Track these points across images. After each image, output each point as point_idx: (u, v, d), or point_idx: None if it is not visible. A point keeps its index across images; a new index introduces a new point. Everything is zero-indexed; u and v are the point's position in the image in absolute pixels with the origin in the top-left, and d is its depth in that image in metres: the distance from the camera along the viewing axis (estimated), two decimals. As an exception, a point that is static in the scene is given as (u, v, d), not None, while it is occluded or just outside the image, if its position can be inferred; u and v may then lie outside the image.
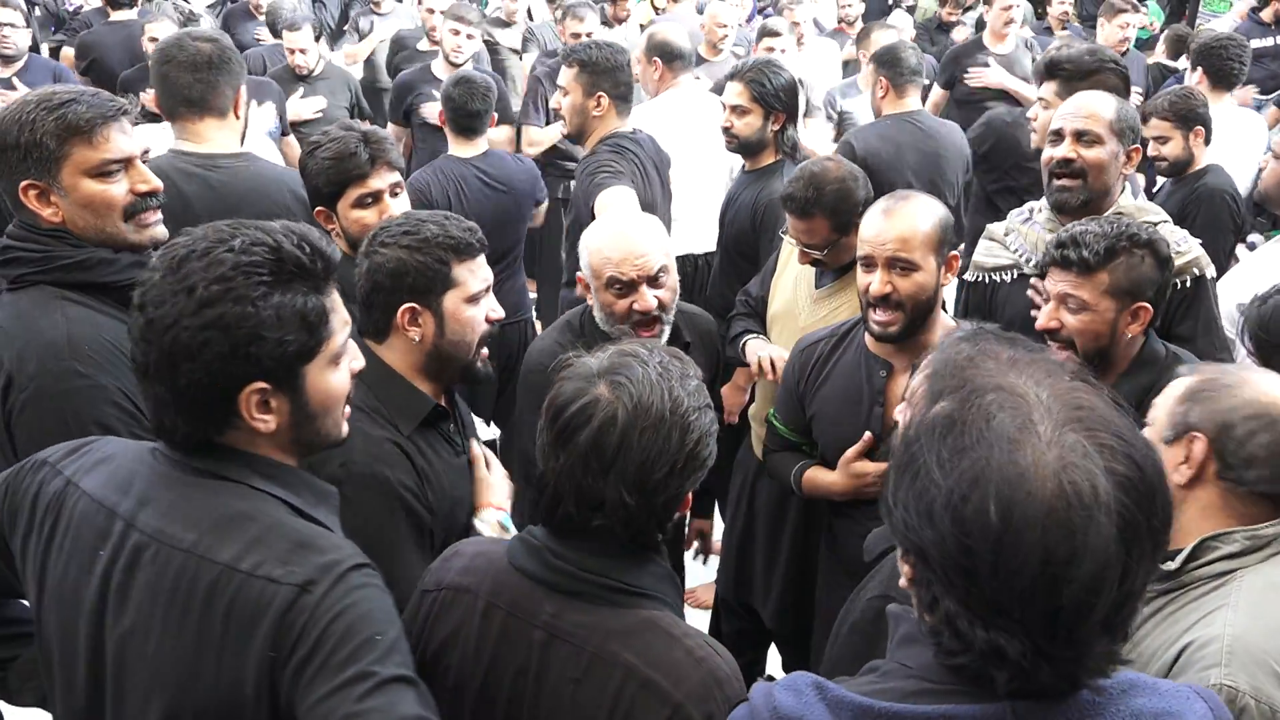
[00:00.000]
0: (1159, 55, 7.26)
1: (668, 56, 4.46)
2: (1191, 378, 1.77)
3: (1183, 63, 7.09)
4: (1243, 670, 1.50)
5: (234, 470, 1.43)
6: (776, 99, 3.60)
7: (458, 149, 4.09)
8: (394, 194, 2.71)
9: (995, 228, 3.03)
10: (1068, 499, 0.98)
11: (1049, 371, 1.08)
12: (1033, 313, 2.66)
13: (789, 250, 3.12)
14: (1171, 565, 1.68)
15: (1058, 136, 2.83)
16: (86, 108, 2.03)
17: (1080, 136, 2.78)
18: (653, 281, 2.54)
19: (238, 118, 2.98)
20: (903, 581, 1.13)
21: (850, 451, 2.43)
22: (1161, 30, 8.42)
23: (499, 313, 2.18)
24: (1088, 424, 1.02)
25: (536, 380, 2.49)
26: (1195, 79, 4.62)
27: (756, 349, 3.06)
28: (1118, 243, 2.28)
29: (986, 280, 2.99)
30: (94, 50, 6.57)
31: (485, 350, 2.18)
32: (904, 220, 2.38)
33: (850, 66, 7.04)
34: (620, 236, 2.58)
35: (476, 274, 2.12)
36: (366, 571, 1.38)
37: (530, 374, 2.66)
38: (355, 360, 1.53)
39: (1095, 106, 2.82)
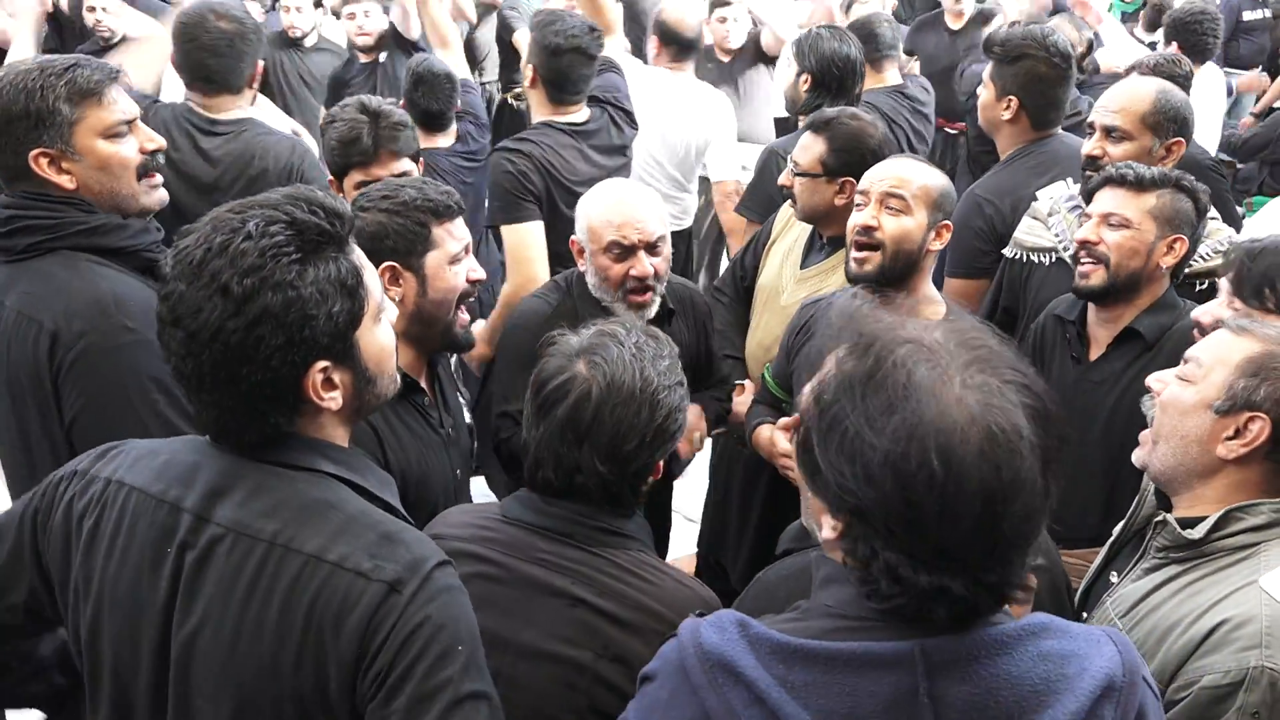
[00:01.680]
0: (1138, 28, 7.30)
1: (663, 37, 4.46)
2: (1250, 343, 1.70)
3: (1160, 34, 7.13)
4: None
5: (303, 457, 1.37)
6: (802, 57, 3.69)
7: (428, 143, 3.91)
8: None
9: (1040, 206, 2.96)
10: (996, 440, 1.02)
11: (930, 318, 1.15)
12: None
13: (786, 215, 3.12)
14: (1195, 534, 1.67)
15: (1091, 129, 2.83)
16: (92, 70, 2.02)
17: (1109, 132, 2.77)
18: (651, 249, 2.56)
19: (251, 89, 3.15)
20: (828, 534, 1.15)
21: (787, 421, 2.44)
22: None
23: (479, 273, 2.23)
24: (990, 363, 1.07)
25: (519, 339, 2.56)
26: (1170, 53, 4.64)
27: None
28: (1168, 174, 2.39)
29: (1024, 259, 2.94)
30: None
31: (466, 316, 2.22)
32: (906, 166, 2.45)
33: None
34: (623, 202, 2.60)
35: (455, 235, 2.17)
36: (449, 570, 1.36)
37: (513, 330, 2.68)
38: (390, 311, 1.48)
39: (1127, 100, 2.79)
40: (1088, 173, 2.76)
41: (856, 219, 2.41)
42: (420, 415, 2.16)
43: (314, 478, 1.37)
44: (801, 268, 2.98)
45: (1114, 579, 1.87)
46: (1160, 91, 2.80)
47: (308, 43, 6.04)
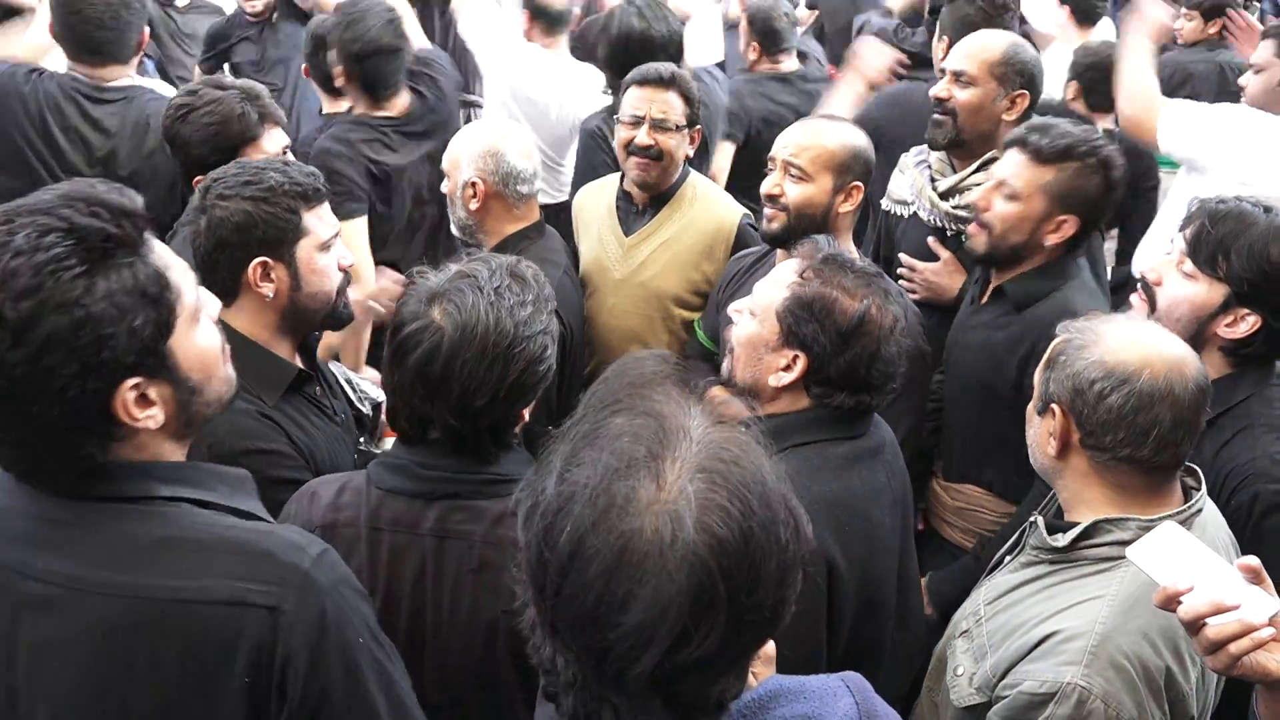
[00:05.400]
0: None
1: (533, 12, 4.32)
2: (1058, 338, 1.72)
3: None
4: (1100, 674, 1.52)
5: (132, 486, 1.24)
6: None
7: (331, 108, 3.78)
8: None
9: (905, 158, 3.02)
10: (644, 544, 0.90)
11: (723, 418, 0.99)
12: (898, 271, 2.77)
13: (592, 205, 3.08)
14: (1059, 543, 1.68)
15: (942, 73, 2.84)
16: None
17: (958, 76, 2.77)
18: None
19: (137, 57, 3.13)
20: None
21: None
22: None
23: (349, 259, 2.14)
24: (715, 478, 0.93)
25: None
26: (1063, 16, 4.67)
27: None
28: (1078, 146, 2.29)
29: (894, 212, 3.02)
30: None
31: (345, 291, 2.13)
32: (811, 132, 2.50)
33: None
34: None
35: (325, 220, 2.06)
36: (326, 559, 1.28)
37: None
38: (210, 306, 1.34)
39: (978, 47, 2.79)
40: (933, 110, 2.79)
41: (764, 184, 2.51)
42: (315, 406, 2.08)
43: (149, 508, 1.24)
44: (626, 235, 2.95)
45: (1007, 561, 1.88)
46: (1013, 43, 2.81)
47: (180, 1, 5.61)
